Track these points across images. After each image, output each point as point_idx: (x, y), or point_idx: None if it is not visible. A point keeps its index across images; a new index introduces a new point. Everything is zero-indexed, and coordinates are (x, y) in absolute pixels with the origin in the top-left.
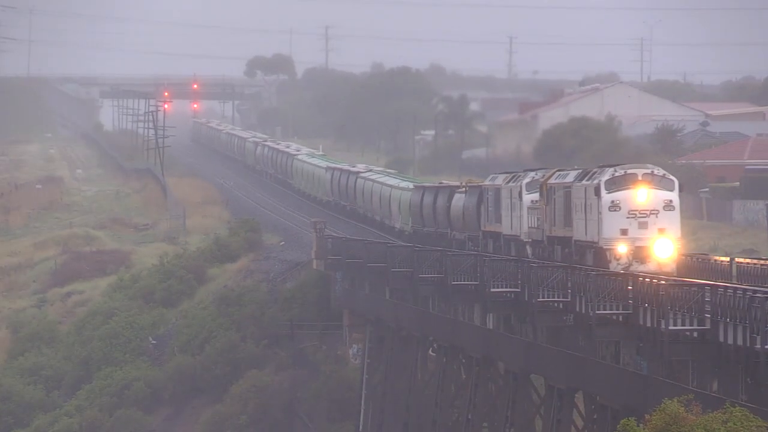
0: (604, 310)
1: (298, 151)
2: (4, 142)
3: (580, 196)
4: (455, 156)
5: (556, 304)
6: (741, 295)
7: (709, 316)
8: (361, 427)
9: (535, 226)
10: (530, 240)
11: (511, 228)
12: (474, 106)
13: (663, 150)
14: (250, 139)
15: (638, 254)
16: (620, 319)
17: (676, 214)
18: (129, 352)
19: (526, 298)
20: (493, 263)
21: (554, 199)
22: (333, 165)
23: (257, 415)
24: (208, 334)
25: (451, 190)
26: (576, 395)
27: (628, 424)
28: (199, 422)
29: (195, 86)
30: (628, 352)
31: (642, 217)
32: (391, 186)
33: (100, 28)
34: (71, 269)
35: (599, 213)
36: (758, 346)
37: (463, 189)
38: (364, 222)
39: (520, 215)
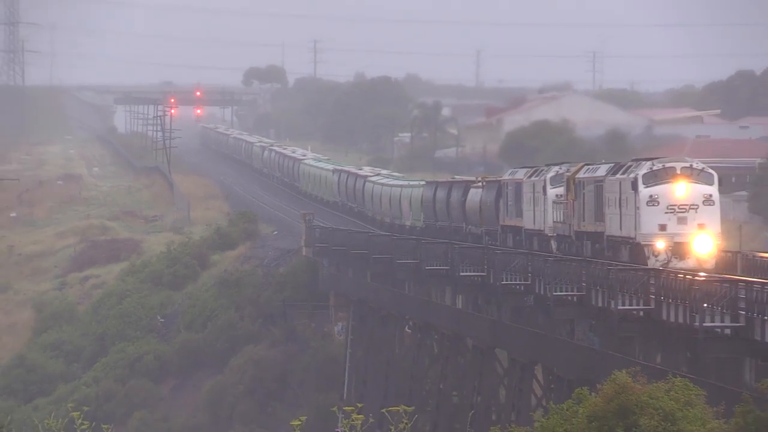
0: (561, 291)
1: (304, 155)
2: (29, 144)
3: (614, 191)
4: (429, 155)
5: (518, 287)
6: (681, 278)
7: (653, 297)
8: (345, 396)
9: (561, 220)
10: (555, 234)
11: (534, 222)
12: (446, 112)
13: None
14: (257, 144)
15: (677, 250)
16: (575, 299)
17: (716, 209)
18: (140, 329)
19: (492, 281)
20: (462, 250)
21: (583, 193)
22: (340, 168)
23: (253, 385)
24: (210, 313)
25: (467, 185)
26: (536, 367)
27: (581, 393)
28: (202, 391)
29: (198, 93)
30: (581, 329)
31: (681, 212)
32: (401, 186)
33: (113, 41)
34: (88, 256)
35: (636, 208)
36: (697, 323)
37: (480, 184)
38: (372, 224)
39: (544, 210)
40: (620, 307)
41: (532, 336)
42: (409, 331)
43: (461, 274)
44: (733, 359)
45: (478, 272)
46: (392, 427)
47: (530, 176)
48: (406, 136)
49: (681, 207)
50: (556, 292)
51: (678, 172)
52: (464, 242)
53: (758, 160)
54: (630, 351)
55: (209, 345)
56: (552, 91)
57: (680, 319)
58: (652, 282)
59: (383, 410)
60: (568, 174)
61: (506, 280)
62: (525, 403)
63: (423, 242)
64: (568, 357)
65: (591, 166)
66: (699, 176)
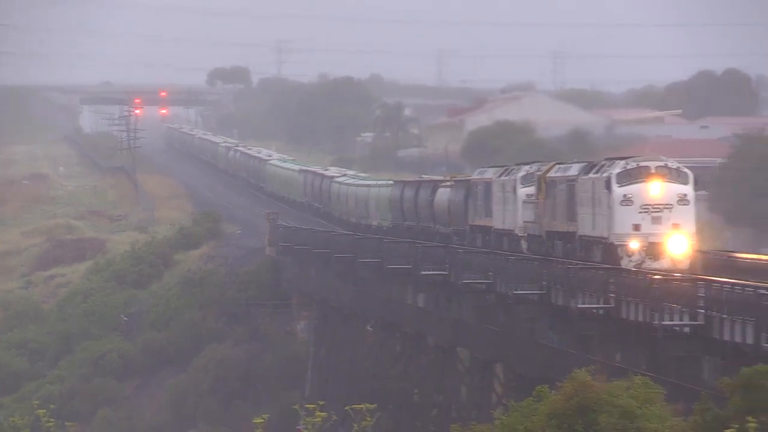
0: (522, 290)
1: (269, 156)
2: None
3: (587, 190)
4: (391, 155)
5: (479, 285)
6: (642, 278)
7: (613, 296)
8: (307, 394)
9: (531, 220)
10: (525, 234)
11: (504, 222)
12: (408, 112)
13: (574, 150)
14: (222, 144)
15: (651, 250)
16: (536, 298)
17: (691, 209)
18: (104, 328)
19: (453, 280)
20: (424, 249)
21: (555, 193)
22: (306, 168)
23: (216, 384)
24: (174, 312)
25: (435, 185)
26: (496, 366)
27: (542, 391)
28: (166, 390)
29: (163, 94)
30: (542, 327)
31: (655, 212)
32: (367, 185)
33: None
34: (54, 255)
35: (610, 207)
36: (656, 322)
37: (449, 183)
38: (339, 225)
39: (515, 209)
40: (580, 306)
41: (493, 334)
42: (371, 329)
43: (423, 272)
44: (691, 357)
45: (440, 271)
46: (355, 425)
47: (500, 175)
48: (368, 136)
49: (655, 207)
50: (517, 290)
51: (652, 171)
52: (428, 241)
53: (719, 160)
54: (590, 349)
55: (173, 344)
56: (514, 92)
57: (640, 318)
58: (612, 281)
59: (346, 408)
60: (539, 173)
61: (468, 279)
62: (486, 401)
63: (385, 241)
64: (529, 355)
65: (562, 166)
66: (674, 175)
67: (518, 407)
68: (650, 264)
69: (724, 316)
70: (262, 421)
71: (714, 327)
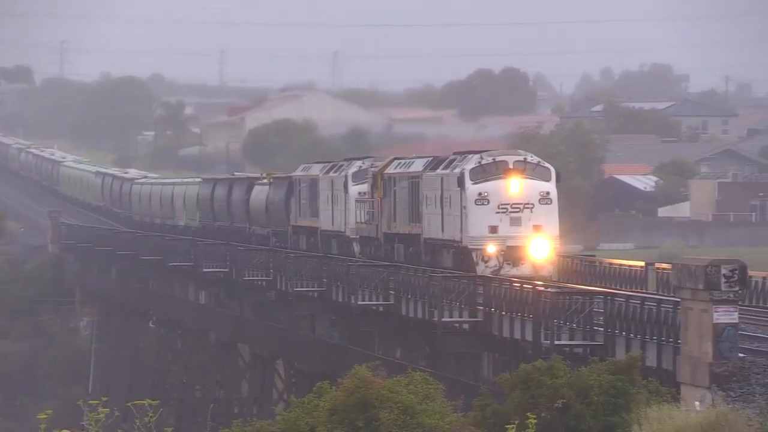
0: (302, 287)
1: (64, 157)
2: None
3: (434, 188)
4: (173, 153)
5: (260, 282)
6: (421, 275)
7: (393, 293)
8: (90, 389)
9: (365, 221)
10: (358, 237)
11: (333, 223)
12: (189, 110)
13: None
14: (14, 146)
15: (510, 255)
16: (315, 295)
17: (553, 208)
18: None
19: (234, 277)
20: (205, 247)
21: (395, 190)
22: (104, 170)
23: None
24: None
25: (250, 182)
26: (277, 362)
27: (322, 387)
28: None
29: None
30: (322, 324)
31: (514, 212)
32: (173, 184)
33: None
34: None
35: (463, 207)
36: (435, 318)
37: (266, 180)
38: (141, 228)
39: (345, 209)
40: (360, 303)
41: (274, 331)
42: (153, 326)
43: (204, 270)
44: (471, 354)
45: (221, 268)
46: (137, 421)
47: (328, 172)
48: (150, 135)
49: (514, 206)
50: (297, 287)
51: (510, 166)
52: (207, 239)
53: None
54: (370, 346)
55: None
56: (294, 90)
57: (419, 315)
58: (392, 278)
59: (128, 404)
60: (374, 169)
61: (248, 276)
62: (267, 396)
63: (167, 239)
64: (309, 351)
65: (403, 161)
66: (534, 171)
67: (299, 403)
68: (509, 270)
69: (503, 312)
70: (46, 416)
71: (493, 323)
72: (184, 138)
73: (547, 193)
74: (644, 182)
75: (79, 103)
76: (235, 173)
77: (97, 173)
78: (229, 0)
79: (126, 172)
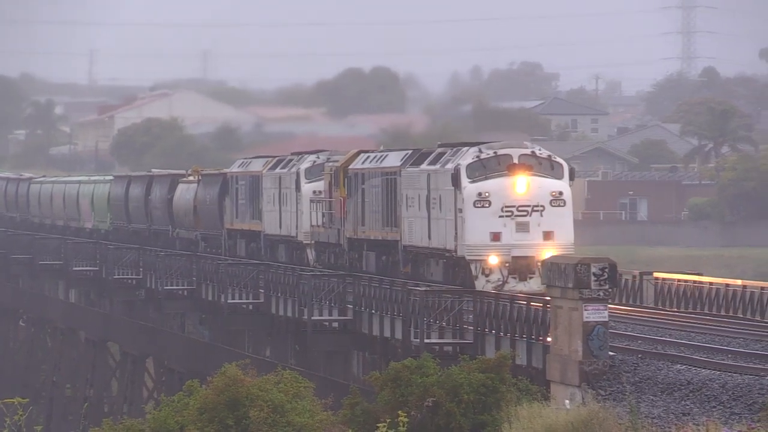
0: (172, 285)
1: None
2: None
3: (420, 187)
4: (44, 152)
5: (130, 281)
6: (291, 274)
7: (263, 291)
8: None
9: (323, 224)
10: (313, 242)
11: (280, 227)
12: (59, 110)
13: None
14: None
15: (516, 267)
16: (185, 293)
17: (567, 211)
18: None
19: (104, 276)
20: (75, 245)
21: (363, 189)
22: None
23: None
24: None
25: (173, 179)
26: (147, 360)
27: (192, 385)
28: None
29: None
30: (192, 322)
31: (521, 216)
32: (78, 182)
33: None
34: None
35: (459, 210)
36: (305, 317)
37: (193, 178)
38: (41, 231)
39: (297, 210)
40: (230, 301)
41: (144, 329)
42: (24, 324)
43: (74, 268)
44: (341, 352)
45: (91, 267)
46: (7, 419)
47: (273, 168)
48: (20, 134)
49: (521, 209)
50: (167, 286)
51: (515, 161)
52: (77, 237)
53: None
54: (240, 344)
55: None
56: (163, 89)
57: (289, 313)
58: (261, 276)
59: None
60: (332, 164)
61: (119, 275)
62: (137, 395)
63: (37, 237)
64: (179, 350)
65: (371, 154)
66: (544, 167)
67: (169, 402)
68: (515, 285)
69: (373, 311)
70: None
71: (363, 322)
72: (55, 137)
73: (560, 193)
74: None
75: None
76: (153, 170)
77: None
78: None
79: (21, 175)
